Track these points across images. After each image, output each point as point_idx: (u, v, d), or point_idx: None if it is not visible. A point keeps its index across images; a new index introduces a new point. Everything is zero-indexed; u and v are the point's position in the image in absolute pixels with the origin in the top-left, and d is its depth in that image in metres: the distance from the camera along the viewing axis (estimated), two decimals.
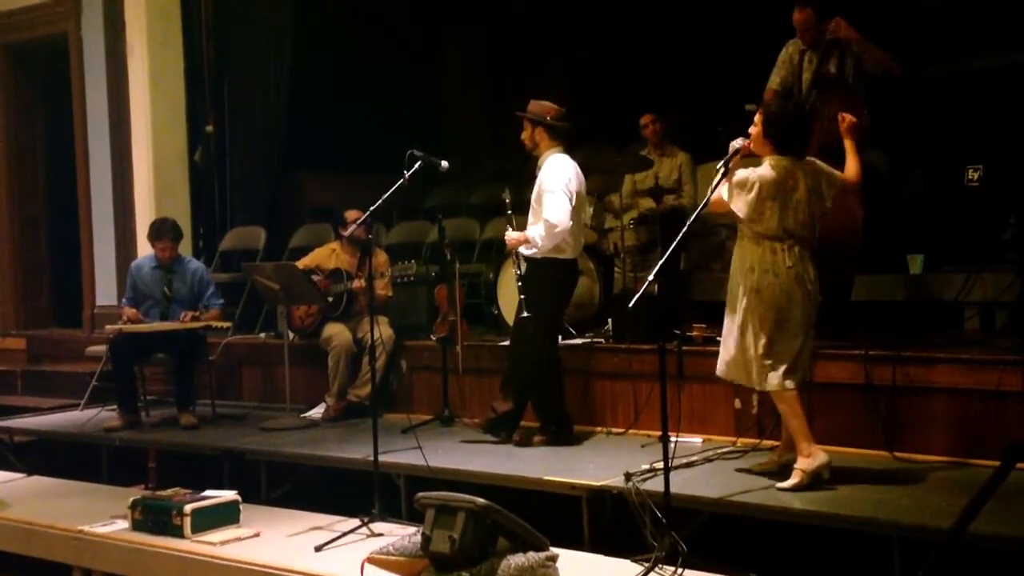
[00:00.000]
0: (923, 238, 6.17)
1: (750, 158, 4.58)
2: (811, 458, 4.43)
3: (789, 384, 4.43)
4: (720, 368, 4.67)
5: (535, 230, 5.52)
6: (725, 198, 4.45)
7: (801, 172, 4.50)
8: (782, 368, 4.41)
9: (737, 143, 4.52)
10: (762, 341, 4.42)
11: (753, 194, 4.41)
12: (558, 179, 5.50)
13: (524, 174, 5.71)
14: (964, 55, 6.31)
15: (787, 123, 4.53)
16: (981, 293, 5.58)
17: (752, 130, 4.51)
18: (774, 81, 5.61)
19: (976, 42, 6.31)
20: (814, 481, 4.40)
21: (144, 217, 8.09)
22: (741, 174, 4.45)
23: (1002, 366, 4.58)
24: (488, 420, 5.68)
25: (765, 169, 4.46)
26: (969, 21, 6.35)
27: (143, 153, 8.78)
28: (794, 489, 4.39)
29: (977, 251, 5.67)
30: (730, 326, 4.56)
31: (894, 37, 5.62)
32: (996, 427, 4.58)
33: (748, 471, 4.66)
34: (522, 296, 5.51)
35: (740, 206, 4.43)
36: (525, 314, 5.47)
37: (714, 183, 4.52)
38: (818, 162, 4.60)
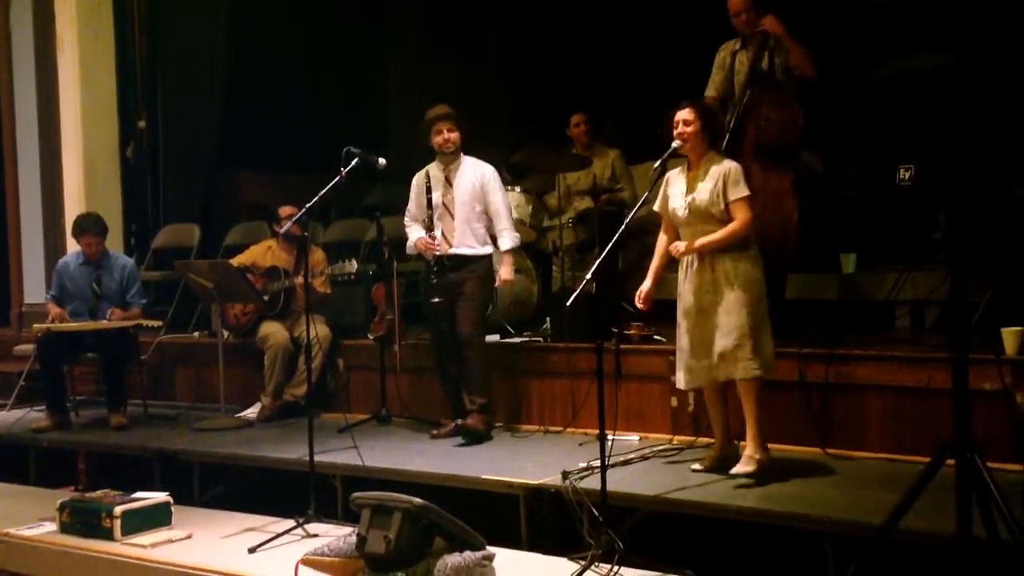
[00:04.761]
0: (856, 237, 6.26)
1: (681, 158, 4.62)
2: (767, 451, 4.55)
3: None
4: (700, 378, 4.60)
5: (509, 239, 5.79)
6: (749, 192, 4.51)
7: None
8: (771, 350, 4.54)
9: (675, 143, 4.54)
10: (766, 325, 4.51)
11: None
12: (498, 177, 5.83)
13: None
14: (896, 57, 6.42)
15: (719, 120, 4.67)
16: (912, 292, 5.67)
17: (686, 130, 4.53)
18: (711, 87, 5.65)
19: (907, 45, 6.42)
20: (764, 472, 4.47)
21: (74, 214, 7.90)
22: (734, 169, 4.52)
23: (932, 364, 4.66)
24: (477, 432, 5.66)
25: (731, 161, 4.58)
26: (900, 24, 6.46)
27: (73, 149, 8.61)
28: (749, 475, 4.47)
29: (908, 250, 5.77)
30: (724, 324, 4.49)
31: (827, 39, 5.70)
32: (927, 424, 4.65)
33: (699, 471, 4.67)
34: (433, 280, 5.68)
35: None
36: (436, 299, 5.65)
37: (652, 182, 4.55)
38: None
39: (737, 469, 4.53)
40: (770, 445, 4.84)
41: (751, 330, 4.46)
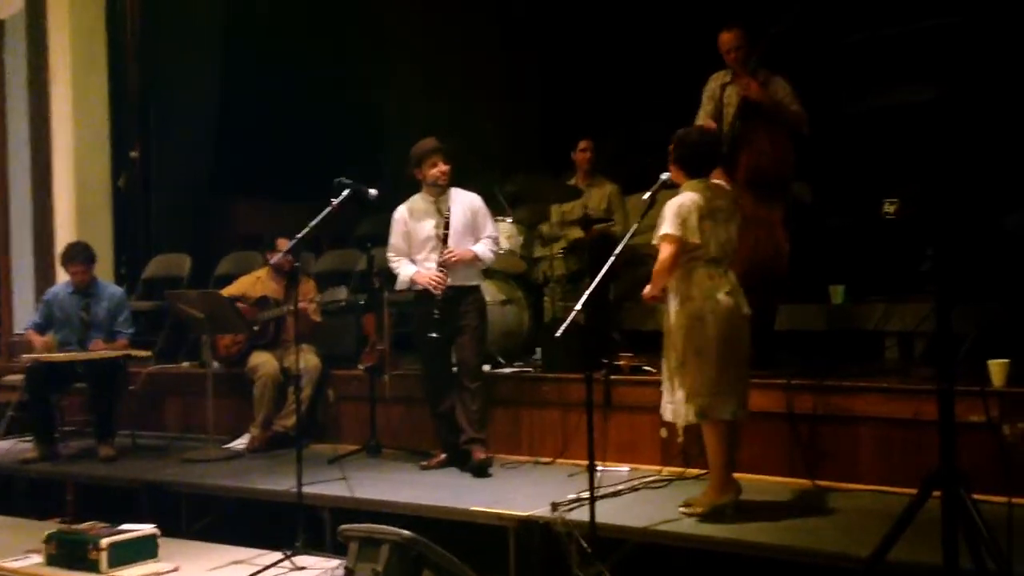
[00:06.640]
0: (845, 269, 6.28)
1: (675, 189, 4.62)
2: (728, 493, 4.46)
3: (733, 415, 4.41)
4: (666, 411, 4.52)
5: (483, 247, 5.76)
6: (672, 231, 4.32)
7: (720, 193, 4.54)
8: (699, 397, 4.38)
9: (665, 175, 4.55)
10: (690, 371, 4.34)
11: (693, 217, 4.36)
12: (486, 207, 5.84)
13: None
14: (883, 90, 6.46)
15: (693, 147, 4.51)
16: (900, 323, 5.70)
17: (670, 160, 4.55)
18: (701, 117, 5.69)
19: (895, 78, 6.47)
20: (715, 514, 4.41)
21: (65, 244, 7.93)
22: (671, 206, 4.39)
23: (920, 395, 4.65)
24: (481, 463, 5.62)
25: (688, 193, 4.43)
26: (888, 57, 6.51)
27: (65, 179, 8.62)
28: (693, 515, 4.42)
29: (897, 282, 5.79)
30: (669, 363, 4.45)
31: (816, 71, 5.74)
32: (915, 455, 4.65)
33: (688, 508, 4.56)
34: (436, 314, 5.55)
35: (689, 232, 4.34)
36: (434, 335, 5.55)
37: (642, 213, 4.55)
38: (724, 185, 4.64)
39: (684, 508, 4.49)
40: (759, 477, 4.85)
41: (671, 373, 4.41)
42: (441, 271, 5.60)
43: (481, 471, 5.51)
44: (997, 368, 4.66)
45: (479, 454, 5.57)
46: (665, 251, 4.37)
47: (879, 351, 5.93)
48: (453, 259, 5.60)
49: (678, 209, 4.37)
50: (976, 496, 3.29)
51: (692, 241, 4.36)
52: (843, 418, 4.92)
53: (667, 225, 4.36)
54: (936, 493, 3.32)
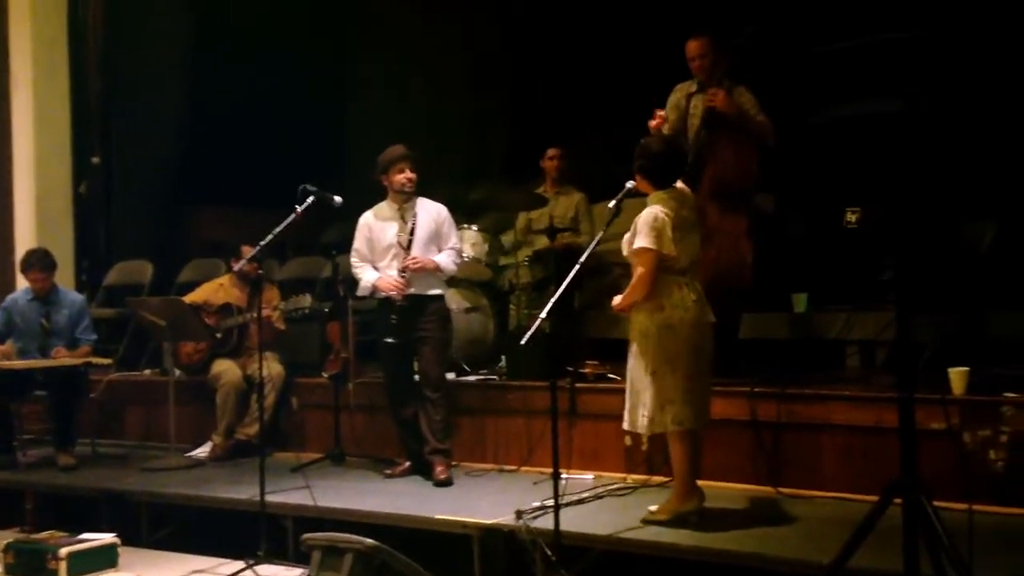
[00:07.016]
0: (807, 277, 6.33)
1: (640, 197, 4.63)
2: (691, 501, 4.47)
3: (692, 423, 4.41)
4: (637, 421, 4.48)
5: (446, 257, 5.72)
6: (649, 244, 4.32)
7: (685, 201, 4.53)
8: (671, 406, 4.39)
9: (630, 183, 4.56)
10: (661, 380, 4.34)
11: (668, 229, 4.36)
12: (451, 219, 5.83)
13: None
14: (846, 101, 6.53)
15: (655, 157, 4.50)
16: (862, 331, 5.74)
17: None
18: (665, 127, 5.71)
19: (859, 89, 6.53)
20: (679, 521, 4.42)
21: (25, 250, 7.85)
22: (645, 217, 4.39)
23: (882, 403, 4.70)
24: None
25: (658, 206, 4.43)
26: (853, 69, 6.57)
27: (25, 185, 8.54)
28: (656, 522, 4.43)
29: (858, 291, 5.84)
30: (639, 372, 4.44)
31: (780, 81, 5.79)
32: (876, 463, 4.69)
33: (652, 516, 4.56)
34: (394, 319, 5.56)
35: (666, 244, 4.34)
36: (389, 340, 5.55)
37: (607, 222, 4.55)
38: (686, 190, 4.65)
39: (646, 515, 4.51)
40: (722, 484, 4.87)
41: (639, 384, 4.41)
42: (402, 277, 5.59)
43: (443, 486, 5.48)
44: (957, 376, 4.71)
45: (440, 470, 5.53)
46: (644, 265, 4.36)
47: (841, 359, 5.98)
48: (415, 266, 5.59)
49: (652, 222, 4.36)
50: (937, 503, 3.32)
51: (668, 253, 4.38)
52: (806, 426, 4.96)
53: (642, 239, 4.35)
54: (897, 500, 3.35)
